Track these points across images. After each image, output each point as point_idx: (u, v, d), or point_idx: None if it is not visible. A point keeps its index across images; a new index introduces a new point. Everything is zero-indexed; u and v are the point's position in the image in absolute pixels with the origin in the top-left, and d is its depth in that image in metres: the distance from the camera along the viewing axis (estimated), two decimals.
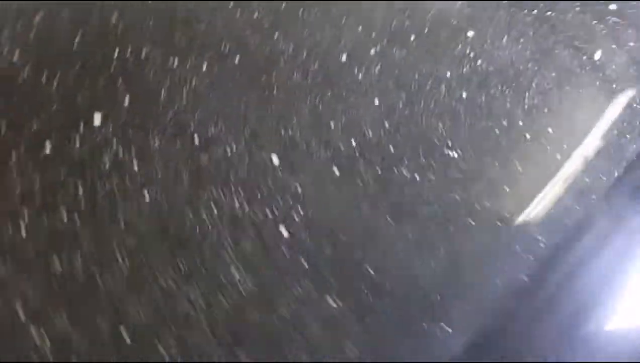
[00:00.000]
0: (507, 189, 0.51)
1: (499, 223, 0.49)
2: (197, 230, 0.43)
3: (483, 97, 0.56)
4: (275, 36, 0.57)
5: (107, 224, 0.41)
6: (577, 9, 0.64)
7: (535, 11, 0.63)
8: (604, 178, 0.52)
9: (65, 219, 0.40)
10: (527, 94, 0.56)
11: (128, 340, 0.38)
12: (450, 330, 0.44)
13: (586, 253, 0.48)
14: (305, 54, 0.57)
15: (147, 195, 0.43)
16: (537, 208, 0.50)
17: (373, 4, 0.61)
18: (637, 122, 0.56)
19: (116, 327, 0.38)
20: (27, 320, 0.36)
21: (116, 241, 0.41)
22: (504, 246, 0.48)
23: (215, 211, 0.46)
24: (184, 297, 0.40)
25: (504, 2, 0.63)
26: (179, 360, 0.38)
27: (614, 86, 0.58)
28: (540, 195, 0.51)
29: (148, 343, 0.38)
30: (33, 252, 0.39)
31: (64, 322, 0.37)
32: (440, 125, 0.53)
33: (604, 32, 0.62)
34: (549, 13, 0.63)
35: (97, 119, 0.45)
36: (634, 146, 0.55)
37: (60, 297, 0.38)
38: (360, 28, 0.59)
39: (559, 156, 0.53)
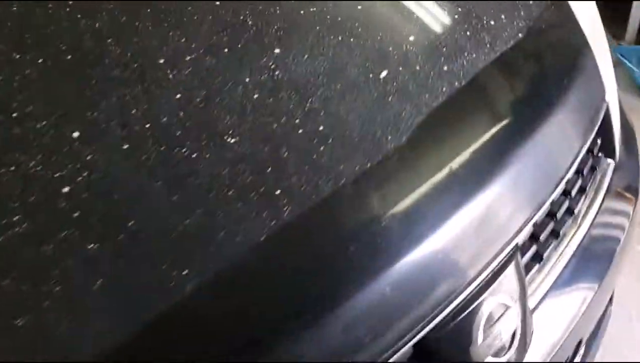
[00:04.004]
0: (270, 170, 0.61)
1: (253, 195, 0.59)
2: None
3: (271, 100, 0.67)
4: (109, 40, 0.70)
5: None
6: (379, 37, 0.77)
7: (340, 37, 0.75)
8: None
9: None
10: (310, 99, 0.68)
11: None
12: (186, 272, 0.54)
13: None
14: (128, 55, 0.68)
15: None
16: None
17: (201, 20, 0.73)
18: (402, 127, 0.68)
19: None
20: None
21: None
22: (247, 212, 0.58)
23: (12, 168, 0.57)
24: None
25: (318, 27, 0.76)
26: None
27: (389, 98, 0.70)
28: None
29: None
30: None
31: None
32: (228, 117, 0.65)
33: (396, 56, 0.75)
34: (351, 39, 0.76)
35: None
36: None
37: None
38: (183, 39, 0.71)
39: (322, 148, 0.64)
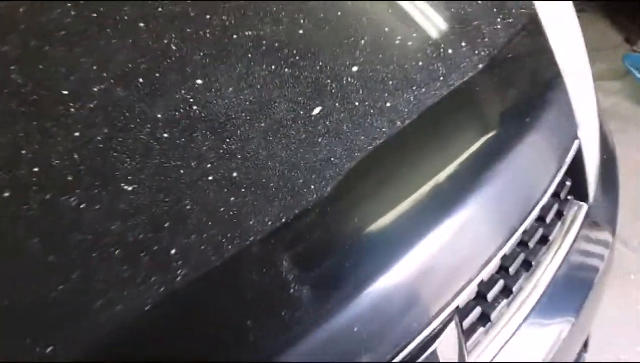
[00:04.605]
0: (168, 224, 0.54)
1: (144, 255, 0.52)
2: None
3: (183, 140, 0.60)
4: (13, 67, 0.63)
5: None
6: (318, 67, 0.69)
7: (273, 67, 0.68)
8: None
9: None
10: (228, 140, 0.60)
11: None
12: (50, 348, 0.47)
13: None
14: (30, 86, 0.62)
15: None
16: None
17: (117, 48, 0.66)
18: (329, 175, 0.60)
19: None
20: None
21: None
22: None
23: None
24: None
25: (250, 55, 0.69)
26: None
27: (319, 139, 0.62)
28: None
29: None
30: None
31: None
32: (128, 161, 0.58)
33: (334, 90, 0.67)
34: (286, 69, 0.68)
35: None
36: None
37: None
38: (95, 67, 0.64)
39: (231, 199, 0.57)
